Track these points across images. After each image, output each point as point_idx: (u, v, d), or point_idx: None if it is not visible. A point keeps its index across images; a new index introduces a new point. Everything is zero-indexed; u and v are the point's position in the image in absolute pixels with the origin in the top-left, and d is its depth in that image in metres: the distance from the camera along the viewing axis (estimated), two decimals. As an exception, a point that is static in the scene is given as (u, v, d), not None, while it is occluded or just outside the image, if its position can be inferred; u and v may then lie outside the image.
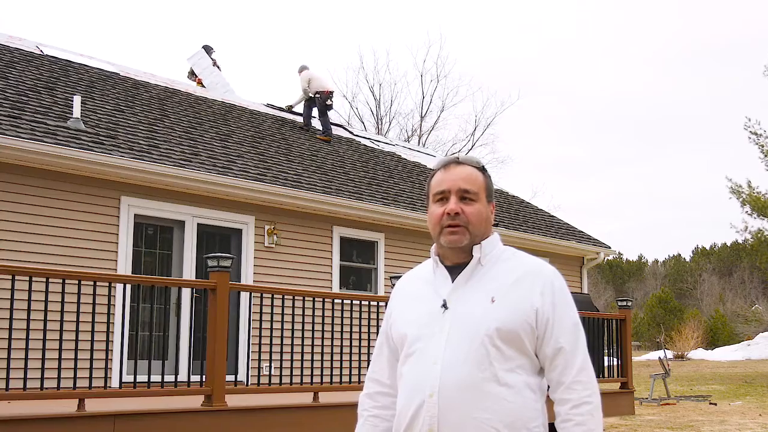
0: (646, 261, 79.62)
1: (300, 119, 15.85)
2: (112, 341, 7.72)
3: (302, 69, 15.52)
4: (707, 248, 75.54)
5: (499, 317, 2.28)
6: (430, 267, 2.48)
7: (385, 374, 2.55)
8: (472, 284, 2.36)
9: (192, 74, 17.03)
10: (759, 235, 28.60)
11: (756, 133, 26.87)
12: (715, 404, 17.44)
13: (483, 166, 2.49)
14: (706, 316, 52.01)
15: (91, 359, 6.11)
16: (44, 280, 6.11)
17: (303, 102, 15.67)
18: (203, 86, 16.38)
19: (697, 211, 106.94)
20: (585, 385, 2.30)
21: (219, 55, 17.67)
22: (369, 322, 8.14)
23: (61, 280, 6.14)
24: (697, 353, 38.59)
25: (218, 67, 17.21)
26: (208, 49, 17.47)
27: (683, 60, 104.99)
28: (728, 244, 71.16)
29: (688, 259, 75.80)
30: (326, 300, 8.07)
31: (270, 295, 7.54)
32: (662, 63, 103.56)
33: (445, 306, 2.35)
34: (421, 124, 40.40)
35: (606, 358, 10.71)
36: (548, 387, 2.37)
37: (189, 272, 10.14)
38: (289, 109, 16.08)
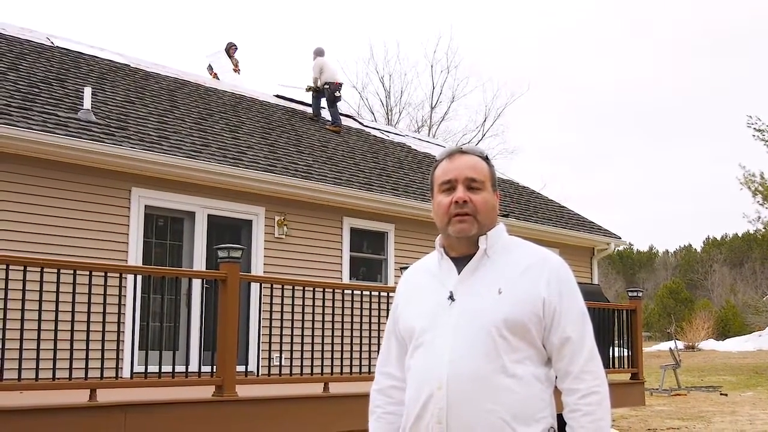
0: (657, 251, 79.50)
1: (309, 110, 15.84)
2: (123, 332, 7.75)
3: (318, 53, 15.15)
4: (718, 239, 75.29)
5: (506, 308, 2.28)
6: (435, 259, 2.47)
7: (394, 367, 2.53)
8: (479, 275, 2.36)
9: (211, 68, 16.95)
10: (772, 225, 28.56)
11: (760, 130, 27.09)
12: (726, 395, 17.42)
13: (486, 156, 2.49)
14: (717, 306, 51.90)
15: (103, 350, 6.14)
16: (55, 271, 6.14)
17: (312, 92, 15.57)
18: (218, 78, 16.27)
19: (709, 202, 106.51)
20: (593, 374, 2.30)
21: (240, 53, 17.33)
22: (379, 313, 8.15)
23: (72, 271, 6.17)
24: (708, 344, 38.52)
25: (239, 70, 17.02)
26: (230, 47, 17.21)
27: (691, 51, 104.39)
28: (739, 235, 70.89)
29: (699, 250, 75.56)
30: (336, 291, 8.08)
31: (280, 286, 7.55)
32: (671, 54, 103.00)
33: (451, 298, 2.34)
34: (431, 115, 40.36)
35: (616, 348, 10.68)
36: (555, 377, 2.37)
37: (199, 263, 10.17)
38: (309, 89, 15.57)
